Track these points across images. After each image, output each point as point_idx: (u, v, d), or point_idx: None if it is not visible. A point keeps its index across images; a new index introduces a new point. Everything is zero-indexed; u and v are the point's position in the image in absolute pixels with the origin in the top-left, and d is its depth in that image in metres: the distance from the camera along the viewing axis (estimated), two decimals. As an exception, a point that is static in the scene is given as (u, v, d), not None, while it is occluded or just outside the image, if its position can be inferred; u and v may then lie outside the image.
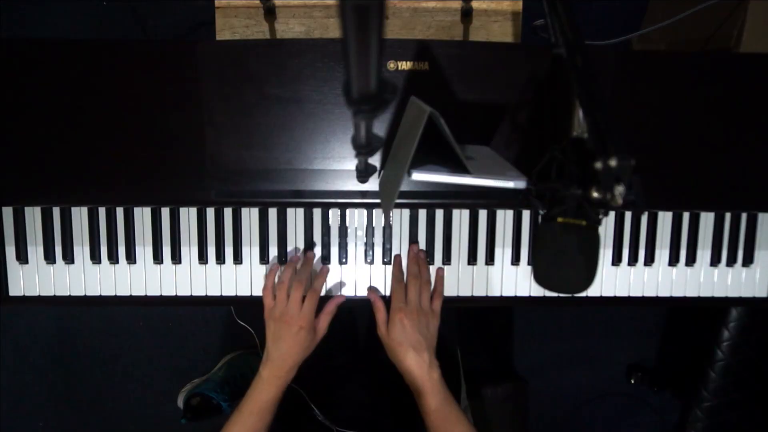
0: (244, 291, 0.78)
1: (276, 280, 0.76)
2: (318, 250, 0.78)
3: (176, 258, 0.77)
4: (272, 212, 0.77)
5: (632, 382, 1.57)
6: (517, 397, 1.15)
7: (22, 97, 0.68)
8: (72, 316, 1.52)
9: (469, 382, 0.96)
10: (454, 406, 0.71)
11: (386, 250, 0.78)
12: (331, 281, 0.78)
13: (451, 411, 0.70)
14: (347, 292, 0.79)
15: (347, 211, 0.78)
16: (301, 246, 0.78)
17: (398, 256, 0.78)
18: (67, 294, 0.78)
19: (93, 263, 0.77)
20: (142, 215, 0.77)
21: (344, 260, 0.78)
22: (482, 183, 0.54)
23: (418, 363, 0.70)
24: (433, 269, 0.78)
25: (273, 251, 0.78)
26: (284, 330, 0.71)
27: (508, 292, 0.80)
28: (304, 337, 0.72)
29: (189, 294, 0.78)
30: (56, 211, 0.77)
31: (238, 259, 0.77)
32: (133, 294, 0.78)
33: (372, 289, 0.78)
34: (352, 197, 0.70)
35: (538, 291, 0.80)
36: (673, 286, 0.81)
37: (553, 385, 1.60)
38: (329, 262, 0.78)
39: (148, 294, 0.78)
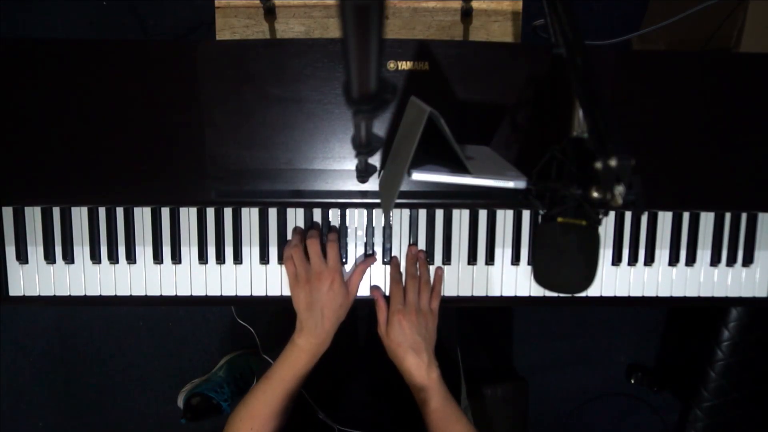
0: (244, 291, 0.78)
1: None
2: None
3: (176, 258, 0.77)
4: (272, 212, 0.77)
5: (632, 382, 1.57)
6: (517, 397, 1.15)
7: (22, 97, 0.68)
8: (72, 316, 1.52)
9: (469, 382, 0.96)
10: (454, 406, 0.71)
11: (386, 250, 0.78)
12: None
13: (451, 410, 0.70)
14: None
15: (347, 211, 0.78)
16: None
17: (396, 258, 0.78)
18: (67, 294, 0.78)
19: (93, 263, 0.77)
20: (142, 215, 0.77)
21: (344, 260, 0.78)
22: (482, 183, 0.54)
23: (417, 363, 0.70)
24: (432, 269, 0.78)
25: (273, 251, 0.78)
26: (316, 290, 0.70)
27: (508, 292, 0.80)
28: (337, 290, 0.70)
29: (189, 294, 0.78)
30: (56, 211, 0.77)
31: (238, 259, 0.77)
32: (133, 294, 0.78)
33: (375, 288, 0.78)
34: (352, 197, 0.70)
35: (538, 291, 0.80)
36: (673, 286, 0.81)
37: (553, 385, 1.60)
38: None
39: (148, 294, 0.78)
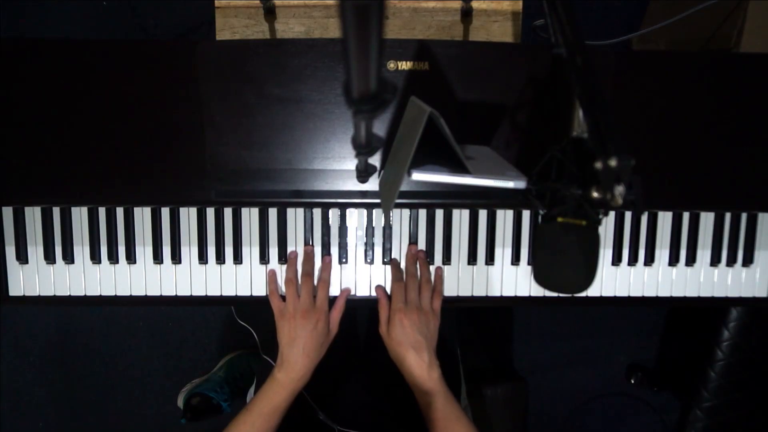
0: (244, 291, 0.78)
1: (279, 281, 0.76)
2: (318, 251, 0.78)
3: (176, 258, 0.77)
4: (272, 212, 0.77)
5: (632, 382, 1.57)
6: (517, 397, 1.15)
7: (22, 97, 0.68)
8: (72, 316, 1.52)
9: (469, 382, 0.96)
10: (455, 405, 0.71)
11: (386, 250, 0.78)
12: (331, 281, 0.78)
13: (451, 410, 0.70)
14: (347, 292, 0.79)
15: (347, 211, 0.78)
16: (302, 246, 0.78)
17: (396, 259, 0.78)
18: (67, 294, 0.78)
19: (93, 263, 0.77)
20: (142, 215, 0.77)
21: (344, 260, 0.78)
22: (482, 183, 0.54)
23: (417, 362, 0.70)
24: (432, 269, 0.78)
25: (273, 251, 0.78)
26: (300, 327, 0.71)
27: (508, 292, 0.80)
28: (321, 330, 0.72)
29: (189, 294, 0.78)
30: (56, 211, 0.77)
31: (238, 259, 0.77)
32: (133, 294, 0.78)
33: (379, 287, 0.78)
34: (352, 197, 0.70)
35: (538, 291, 0.80)
36: (673, 286, 0.81)
37: (553, 385, 1.60)
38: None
39: (148, 294, 0.78)
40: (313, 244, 0.78)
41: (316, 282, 0.76)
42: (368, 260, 0.78)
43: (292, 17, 0.84)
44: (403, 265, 0.78)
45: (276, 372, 0.71)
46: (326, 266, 0.76)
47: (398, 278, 0.75)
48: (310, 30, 0.84)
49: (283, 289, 0.75)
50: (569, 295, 0.77)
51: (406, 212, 0.78)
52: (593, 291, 0.81)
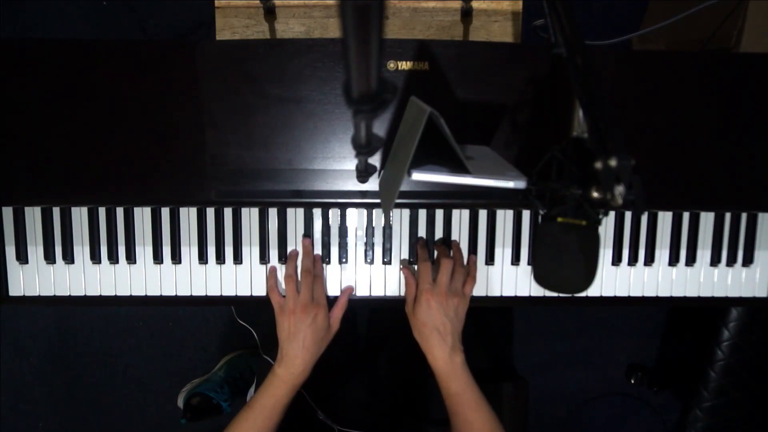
0: (244, 291, 0.78)
1: (279, 277, 0.76)
2: (318, 251, 0.78)
3: (176, 258, 0.77)
4: (272, 212, 0.77)
5: (632, 382, 1.57)
6: (517, 397, 1.15)
7: (22, 97, 0.68)
8: (72, 316, 1.52)
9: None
10: (475, 392, 0.70)
11: (386, 250, 0.78)
12: (331, 281, 0.78)
13: (470, 396, 0.69)
14: (347, 292, 0.79)
15: (347, 211, 0.78)
16: (301, 245, 0.78)
17: (422, 238, 0.78)
18: (67, 294, 0.78)
19: (93, 263, 0.77)
20: (142, 215, 0.77)
21: (344, 260, 0.78)
22: (482, 183, 0.54)
23: (440, 345, 0.69)
24: (465, 255, 0.78)
25: (273, 251, 0.78)
26: (300, 322, 0.71)
27: (508, 292, 0.80)
28: (320, 324, 0.71)
29: (189, 294, 0.78)
30: (56, 211, 0.77)
31: (238, 259, 0.77)
32: (133, 294, 0.78)
33: (405, 266, 0.78)
34: (352, 197, 0.70)
35: (538, 291, 0.80)
36: (673, 286, 0.81)
37: (553, 385, 1.60)
38: (329, 263, 0.78)
39: (148, 294, 0.78)
40: (313, 244, 0.78)
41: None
42: (368, 260, 0.78)
43: (292, 17, 0.84)
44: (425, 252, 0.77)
45: (276, 367, 0.71)
46: (316, 261, 0.77)
47: (425, 258, 0.74)
48: (310, 30, 0.84)
49: (283, 285, 0.75)
50: (569, 295, 0.77)
51: (406, 212, 0.78)
52: (593, 291, 0.81)
